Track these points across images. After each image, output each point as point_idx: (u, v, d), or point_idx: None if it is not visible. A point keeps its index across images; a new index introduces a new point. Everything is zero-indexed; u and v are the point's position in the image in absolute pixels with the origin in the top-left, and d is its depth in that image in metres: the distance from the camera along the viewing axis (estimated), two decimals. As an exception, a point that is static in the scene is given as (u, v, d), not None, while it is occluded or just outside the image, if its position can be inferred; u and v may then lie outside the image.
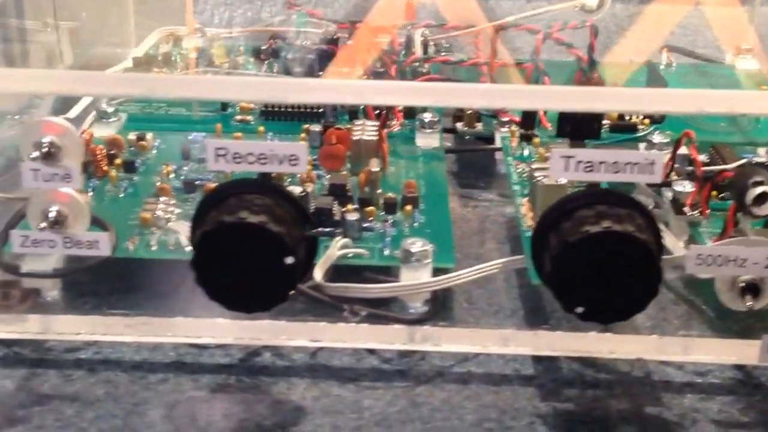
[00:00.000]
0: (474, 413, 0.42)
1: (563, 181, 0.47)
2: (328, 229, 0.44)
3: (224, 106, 0.60)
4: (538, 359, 0.45)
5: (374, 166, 0.50)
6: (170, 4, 0.70)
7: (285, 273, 0.40)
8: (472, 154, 0.59)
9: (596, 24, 0.62)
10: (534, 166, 0.48)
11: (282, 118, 0.58)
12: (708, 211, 0.49)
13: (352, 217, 0.47)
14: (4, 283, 0.45)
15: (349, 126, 0.54)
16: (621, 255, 0.39)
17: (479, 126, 0.59)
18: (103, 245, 0.42)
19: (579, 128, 0.50)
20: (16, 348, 0.44)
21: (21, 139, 0.40)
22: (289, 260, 0.39)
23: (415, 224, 0.48)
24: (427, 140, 0.57)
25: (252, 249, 0.39)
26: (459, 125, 0.59)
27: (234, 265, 0.39)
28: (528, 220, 0.48)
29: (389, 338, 0.44)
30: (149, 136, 0.55)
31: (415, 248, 0.45)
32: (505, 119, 0.58)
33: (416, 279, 0.44)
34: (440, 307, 0.45)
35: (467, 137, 0.59)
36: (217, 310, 0.44)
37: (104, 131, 0.56)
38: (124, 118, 0.57)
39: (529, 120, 0.55)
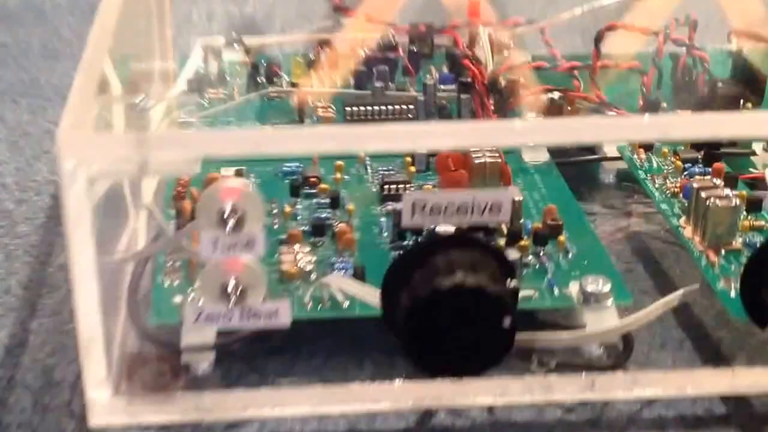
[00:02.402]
0: (688, 459, 0.41)
1: (736, 202, 0.46)
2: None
3: (301, 118, 0.57)
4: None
5: (516, 194, 0.48)
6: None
7: (502, 335, 0.38)
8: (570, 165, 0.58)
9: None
10: (697, 185, 0.47)
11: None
12: None
13: (514, 255, 0.45)
14: (141, 359, 0.42)
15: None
16: None
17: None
18: (283, 314, 0.39)
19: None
20: (173, 432, 0.41)
21: (198, 208, 0.37)
22: (507, 322, 0.38)
23: (569, 255, 0.47)
24: (535, 154, 0.55)
25: (469, 313, 0.37)
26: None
27: (448, 331, 0.37)
28: (698, 245, 0.46)
29: (577, 388, 0.42)
30: (240, 172, 0.52)
31: (598, 288, 0.43)
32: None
33: (601, 321, 0.43)
34: (632, 349, 0.44)
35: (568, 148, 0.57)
36: (386, 371, 0.43)
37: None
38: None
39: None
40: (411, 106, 0.56)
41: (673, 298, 0.44)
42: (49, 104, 0.67)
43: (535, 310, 0.44)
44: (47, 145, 0.62)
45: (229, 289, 0.38)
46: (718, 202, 0.46)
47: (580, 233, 0.48)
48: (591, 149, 0.57)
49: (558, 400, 0.43)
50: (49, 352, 0.45)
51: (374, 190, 0.52)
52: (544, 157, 0.55)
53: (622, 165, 0.56)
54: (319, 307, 0.43)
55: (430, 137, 0.37)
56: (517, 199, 0.48)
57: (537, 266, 0.46)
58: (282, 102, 0.58)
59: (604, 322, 0.43)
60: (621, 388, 0.43)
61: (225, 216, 0.37)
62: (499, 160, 0.51)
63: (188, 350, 0.41)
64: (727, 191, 0.47)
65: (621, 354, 0.43)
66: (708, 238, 0.46)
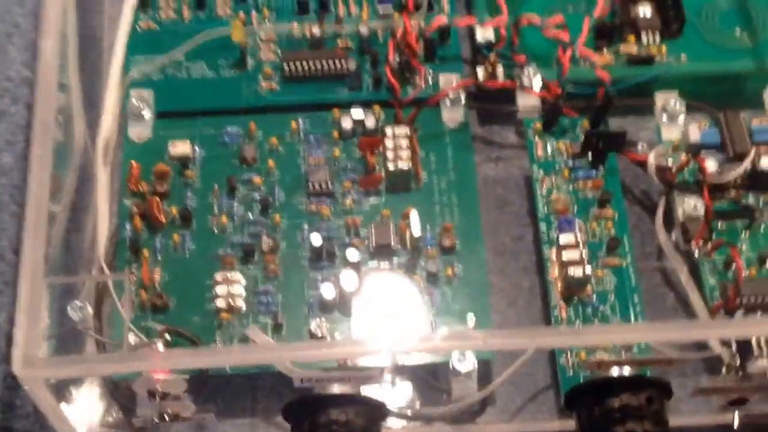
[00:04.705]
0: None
1: (589, 271, 0.57)
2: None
3: (243, 60, 0.64)
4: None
5: (416, 230, 0.58)
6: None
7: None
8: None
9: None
10: (565, 258, 0.57)
11: (306, 81, 0.64)
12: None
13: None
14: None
15: (380, 134, 0.61)
16: None
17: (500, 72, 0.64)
18: (209, 419, 0.54)
19: (604, 144, 0.59)
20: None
21: (136, 387, 0.51)
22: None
23: (455, 282, 0.58)
24: (453, 113, 0.63)
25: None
26: (479, 71, 0.64)
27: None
28: (557, 293, 0.58)
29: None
30: (186, 146, 0.61)
31: (464, 369, 0.56)
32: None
33: (466, 389, 0.56)
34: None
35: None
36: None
37: (139, 131, 0.62)
38: (152, 108, 0.62)
39: (554, 112, 0.61)
40: (345, 62, 0.63)
41: (525, 357, 0.57)
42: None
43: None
44: (16, 14, 0.69)
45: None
46: (574, 272, 0.57)
47: (472, 251, 0.59)
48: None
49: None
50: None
51: (302, 170, 0.61)
52: (460, 117, 0.63)
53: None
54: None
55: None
56: (416, 236, 0.58)
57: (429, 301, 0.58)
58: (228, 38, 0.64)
59: (467, 390, 0.56)
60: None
61: (155, 395, 0.50)
62: (409, 165, 0.60)
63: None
64: (585, 253, 0.57)
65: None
66: (563, 292, 0.57)
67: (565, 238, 0.57)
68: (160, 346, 0.52)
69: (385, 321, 0.57)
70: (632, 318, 0.57)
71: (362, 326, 0.57)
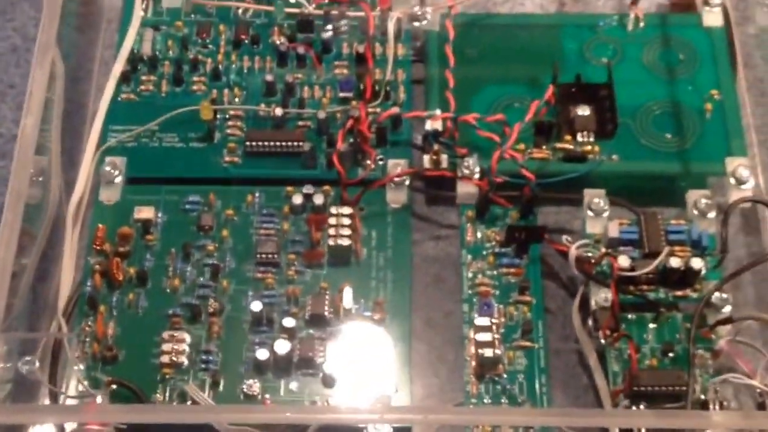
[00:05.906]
0: None
1: (500, 352, 0.63)
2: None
3: (211, 134, 0.70)
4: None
5: (347, 302, 0.64)
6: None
7: None
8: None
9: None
10: (479, 339, 0.63)
11: (265, 157, 0.70)
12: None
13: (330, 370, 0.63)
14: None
15: (326, 211, 0.67)
16: None
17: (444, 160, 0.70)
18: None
19: (526, 236, 0.65)
20: None
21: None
22: None
23: (379, 349, 0.64)
24: (397, 195, 0.69)
25: None
26: (425, 159, 0.70)
27: None
28: (471, 368, 0.64)
29: None
30: (150, 212, 0.67)
31: None
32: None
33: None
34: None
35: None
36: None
37: (109, 195, 0.68)
38: (123, 173, 0.69)
39: (485, 202, 0.67)
40: (301, 144, 0.69)
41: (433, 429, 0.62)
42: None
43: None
44: (13, 74, 0.76)
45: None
46: (485, 352, 0.62)
47: (398, 325, 0.65)
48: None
49: None
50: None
51: (253, 241, 0.67)
52: (403, 199, 0.69)
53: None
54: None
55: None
56: (347, 307, 0.65)
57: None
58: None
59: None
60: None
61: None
62: (350, 242, 0.66)
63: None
64: (498, 336, 0.63)
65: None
66: (476, 369, 0.63)
67: (481, 321, 0.63)
68: (99, 398, 0.59)
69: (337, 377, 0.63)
70: (538, 397, 0.62)
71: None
